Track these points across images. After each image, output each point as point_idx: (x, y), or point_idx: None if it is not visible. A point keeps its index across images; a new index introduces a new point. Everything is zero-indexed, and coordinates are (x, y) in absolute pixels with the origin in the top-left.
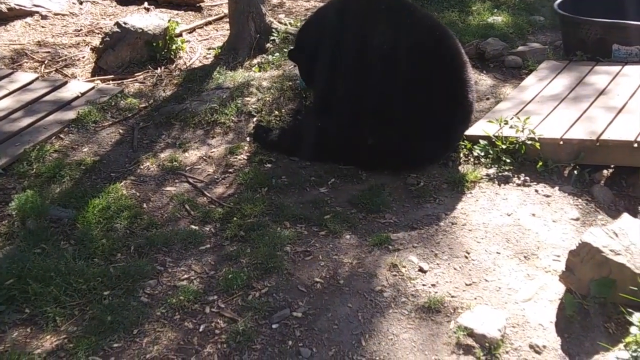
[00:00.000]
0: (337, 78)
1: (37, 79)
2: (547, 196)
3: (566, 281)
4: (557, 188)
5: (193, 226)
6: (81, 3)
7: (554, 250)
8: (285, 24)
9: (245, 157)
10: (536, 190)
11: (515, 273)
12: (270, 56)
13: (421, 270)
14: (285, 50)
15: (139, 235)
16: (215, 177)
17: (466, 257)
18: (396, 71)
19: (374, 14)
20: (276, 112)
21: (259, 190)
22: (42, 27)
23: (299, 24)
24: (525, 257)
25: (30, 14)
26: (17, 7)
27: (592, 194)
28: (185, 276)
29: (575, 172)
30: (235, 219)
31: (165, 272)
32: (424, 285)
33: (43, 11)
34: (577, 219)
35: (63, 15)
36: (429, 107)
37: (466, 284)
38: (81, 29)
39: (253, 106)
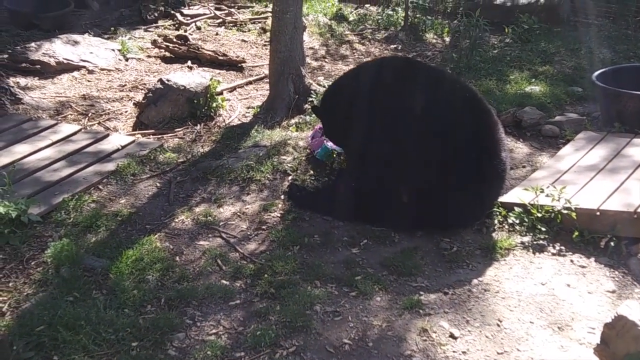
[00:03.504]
0: (371, 138)
1: (79, 130)
2: (583, 267)
3: (601, 354)
4: (592, 259)
5: (224, 281)
6: (127, 60)
7: (588, 322)
8: (324, 86)
9: (279, 215)
10: (571, 261)
11: (548, 344)
12: (307, 117)
13: (452, 336)
14: None
15: (169, 287)
16: (249, 233)
17: (498, 325)
18: (428, 132)
19: (407, 77)
20: (311, 172)
21: (291, 248)
22: (88, 81)
23: None
24: (559, 327)
25: (78, 68)
26: (65, 62)
27: (628, 266)
28: (214, 331)
29: (612, 243)
30: (266, 275)
31: (194, 326)
32: (454, 352)
33: (90, 66)
34: (613, 292)
35: (109, 70)
36: (461, 164)
37: (498, 353)
38: (125, 84)
39: (289, 165)
